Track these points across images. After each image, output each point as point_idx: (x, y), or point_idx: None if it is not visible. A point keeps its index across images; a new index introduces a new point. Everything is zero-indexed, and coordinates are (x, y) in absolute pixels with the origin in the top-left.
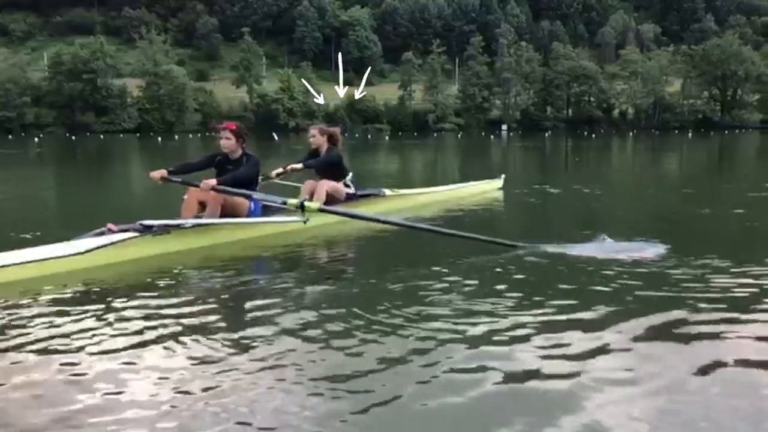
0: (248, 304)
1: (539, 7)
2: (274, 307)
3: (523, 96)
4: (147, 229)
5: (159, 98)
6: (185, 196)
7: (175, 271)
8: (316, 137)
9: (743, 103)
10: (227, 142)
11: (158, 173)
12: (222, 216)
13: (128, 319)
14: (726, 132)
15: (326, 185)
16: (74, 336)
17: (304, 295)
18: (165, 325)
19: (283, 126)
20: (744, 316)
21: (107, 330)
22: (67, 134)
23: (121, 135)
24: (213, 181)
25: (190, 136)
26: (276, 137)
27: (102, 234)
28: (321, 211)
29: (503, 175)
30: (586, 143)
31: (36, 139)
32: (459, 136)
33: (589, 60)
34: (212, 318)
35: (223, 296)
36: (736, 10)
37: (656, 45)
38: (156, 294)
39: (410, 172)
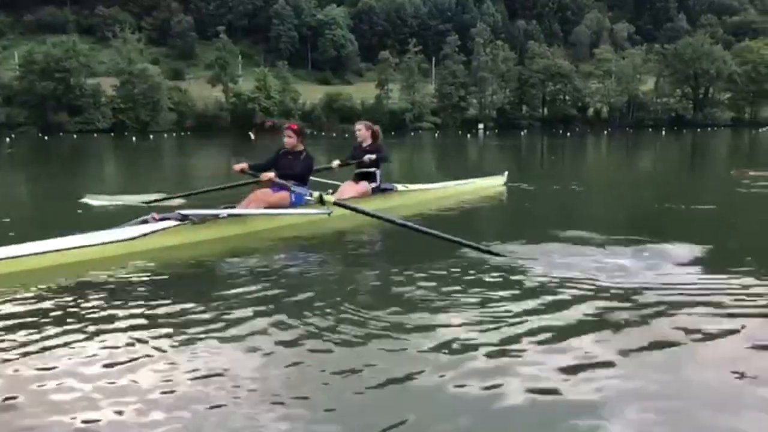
0: (270, 292)
1: (514, 7)
2: (295, 294)
3: (499, 95)
4: (185, 219)
5: (133, 97)
6: (256, 190)
7: (209, 258)
8: (362, 131)
9: (715, 101)
10: (289, 140)
11: (240, 166)
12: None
13: (171, 304)
14: (698, 130)
15: (353, 190)
16: (126, 314)
17: (322, 282)
18: (202, 311)
19: (259, 125)
20: (725, 311)
21: (155, 311)
22: (40, 134)
23: (95, 135)
24: (271, 174)
25: (165, 135)
26: (252, 136)
27: (145, 222)
28: (335, 204)
29: (506, 172)
30: (562, 142)
31: (8, 139)
32: (436, 135)
33: (564, 59)
34: (242, 304)
35: (249, 284)
36: (708, 10)
37: (630, 44)
38: (192, 279)
39: (391, 172)
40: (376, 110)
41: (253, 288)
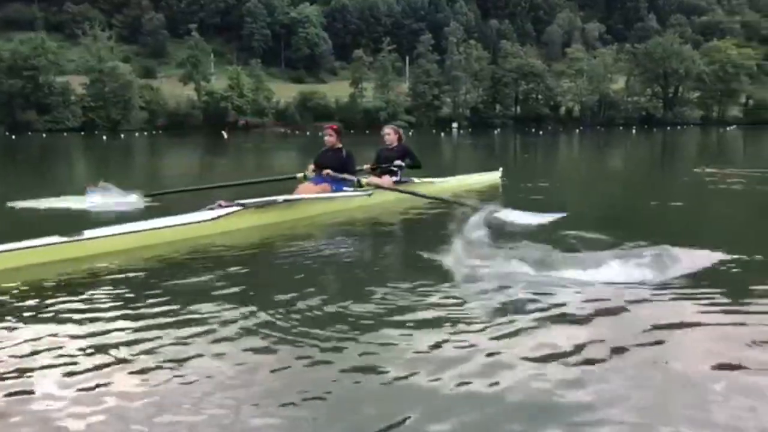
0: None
1: (487, 6)
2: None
3: (472, 94)
4: (243, 207)
5: (104, 96)
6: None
7: (267, 239)
8: (391, 135)
9: (684, 100)
10: (330, 138)
11: (310, 168)
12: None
13: (243, 275)
14: (668, 128)
15: (380, 182)
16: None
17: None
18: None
19: (232, 124)
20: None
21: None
22: (7, 133)
23: (65, 134)
24: (329, 171)
25: (137, 134)
26: (225, 135)
27: (212, 209)
28: (368, 184)
29: (501, 168)
30: (534, 140)
31: None
32: (410, 133)
33: (537, 58)
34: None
35: (298, 263)
36: (677, 10)
37: (601, 43)
38: (250, 258)
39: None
40: (350, 109)
41: (302, 267)
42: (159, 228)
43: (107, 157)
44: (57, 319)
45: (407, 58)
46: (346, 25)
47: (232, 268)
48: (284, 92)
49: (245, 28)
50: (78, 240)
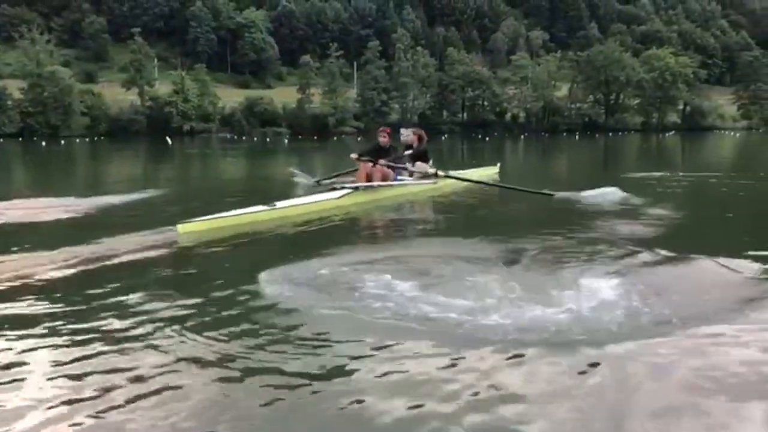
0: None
1: (434, 14)
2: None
3: (420, 100)
4: (355, 189)
5: (43, 101)
6: (358, 170)
7: (368, 210)
8: (411, 136)
9: (625, 106)
10: (383, 139)
11: (355, 155)
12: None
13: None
14: (610, 134)
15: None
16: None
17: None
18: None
19: (177, 129)
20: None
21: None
22: None
23: (1, 139)
24: (383, 161)
25: (78, 140)
26: (170, 141)
27: (336, 189)
28: (436, 175)
29: (499, 164)
30: (481, 146)
31: None
32: (359, 139)
33: (482, 65)
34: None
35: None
36: (618, 19)
37: (545, 51)
38: (355, 226)
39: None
40: (298, 114)
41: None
42: (314, 201)
43: (46, 164)
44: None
45: (355, 64)
46: (293, 31)
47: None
48: (230, 97)
49: (190, 32)
50: (273, 209)
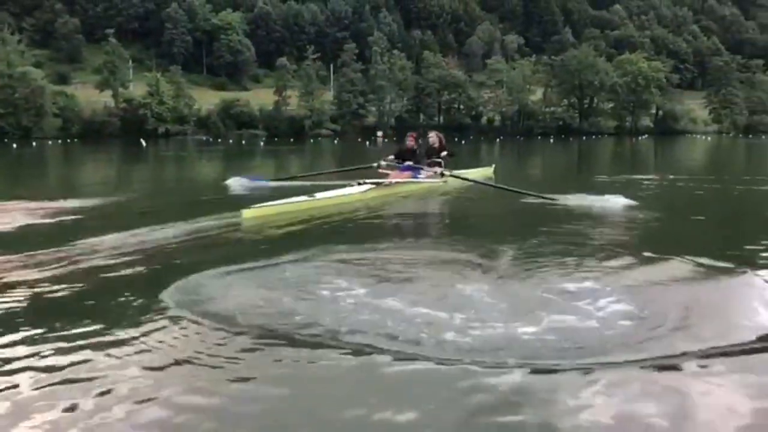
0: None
1: (410, 17)
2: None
3: (397, 103)
4: (377, 185)
5: (14, 102)
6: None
7: (386, 202)
8: (434, 138)
9: (599, 110)
10: (411, 142)
11: (386, 161)
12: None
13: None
14: (584, 138)
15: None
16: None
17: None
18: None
19: (152, 131)
20: None
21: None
22: None
23: None
24: (409, 162)
25: (50, 142)
26: (144, 143)
27: (361, 184)
28: (448, 174)
29: (494, 165)
30: (457, 149)
31: None
32: (336, 141)
33: (458, 69)
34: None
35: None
36: (591, 24)
37: (520, 55)
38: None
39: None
40: (274, 117)
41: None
42: (345, 194)
43: (17, 166)
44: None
45: (331, 66)
46: (270, 33)
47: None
48: (206, 99)
49: (165, 34)
50: (312, 199)
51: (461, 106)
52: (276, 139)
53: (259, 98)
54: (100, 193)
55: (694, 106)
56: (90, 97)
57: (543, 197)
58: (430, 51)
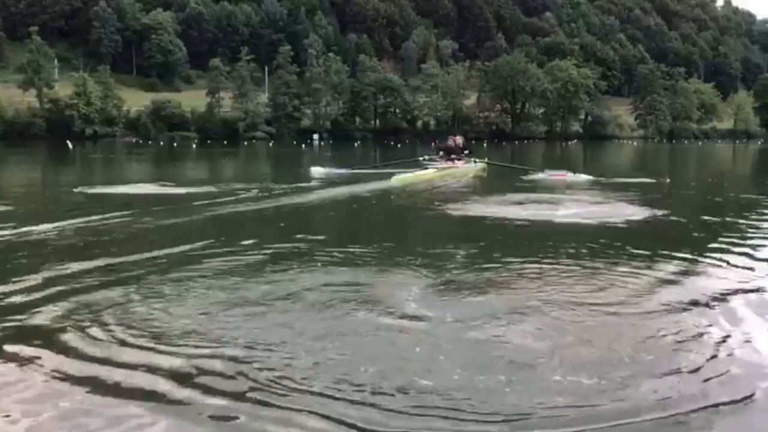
0: None
1: (345, 20)
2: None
3: (332, 106)
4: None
5: None
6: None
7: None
8: (458, 139)
9: (530, 115)
10: (451, 142)
11: (436, 157)
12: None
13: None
14: (516, 142)
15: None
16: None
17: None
18: None
19: (79, 133)
20: None
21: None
22: None
23: None
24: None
25: None
26: (71, 145)
27: (425, 168)
28: (478, 161)
29: (486, 159)
30: (393, 153)
31: None
32: (270, 144)
33: (394, 73)
34: None
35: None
36: (523, 31)
37: (454, 60)
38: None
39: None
40: (207, 119)
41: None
42: (428, 172)
43: None
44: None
45: (266, 68)
46: (202, 33)
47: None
48: (136, 101)
49: (93, 32)
50: (419, 173)
51: (397, 110)
52: (209, 141)
53: (192, 100)
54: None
55: (621, 112)
56: (12, 97)
57: (532, 171)
58: (366, 54)
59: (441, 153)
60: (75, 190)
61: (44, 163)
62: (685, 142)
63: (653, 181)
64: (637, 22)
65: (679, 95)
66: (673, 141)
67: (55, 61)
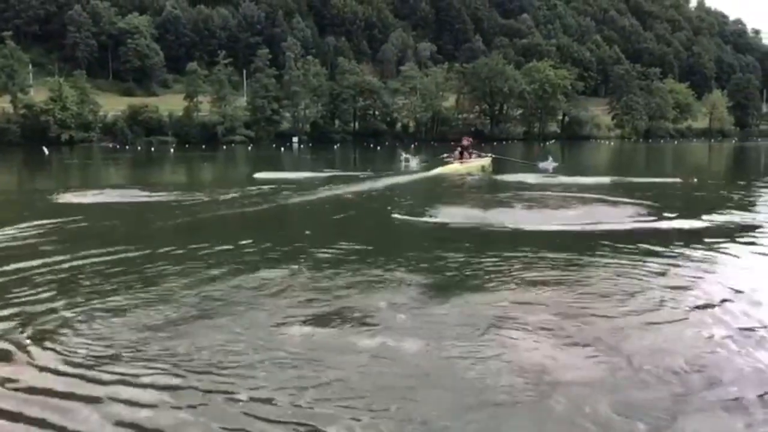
0: None
1: (324, 23)
2: None
3: (312, 109)
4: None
5: None
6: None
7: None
8: (470, 140)
9: (508, 117)
10: (466, 142)
11: (451, 155)
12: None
13: None
14: (495, 143)
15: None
16: None
17: None
18: None
19: (55, 139)
20: None
21: None
22: None
23: None
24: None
25: None
26: (47, 151)
27: (449, 163)
28: (492, 157)
29: (491, 154)
30: (372, 155)
31: None
32: (249, 148)
33: (373, 75)
34: None
35: None
36: (500, 32)
37: (432, 62)
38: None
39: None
40: (185, 123)
41: None
42: (453, 165)
43: None
44: None
45: (244, 72)
46: (179, 37)
47: None
48: (113, 105)
49: (68, 37)
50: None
51: (376, 113)
52: (187, 145)
53: (169, 104)
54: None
55: (598, 112)
56: None
57: (529, 163)
58: (345, 57)
59: (456, 152)
60: (50, 196)
61: (18, 169)
62: (661, 141)
63: (680, 180)
64: (612, 23)
65: (655, 95)
66: (650, 140)
67: (30, 66)
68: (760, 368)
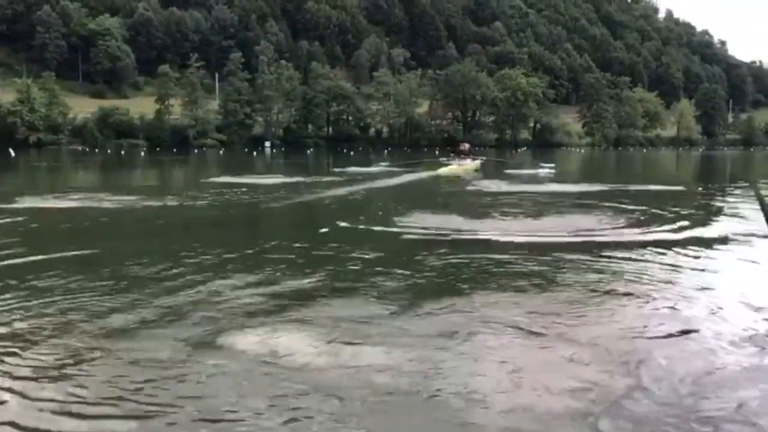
0: None
1: (297, 27)
2: None
3: (284, 113)
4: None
5: None
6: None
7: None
8: (468, 146)
9: (481, 123)
10: (463, 147)
11: (450, 160)
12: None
13: None
14: None
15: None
16: None
17: None
18: None
19: (22, 141)
20: None
21: None
22: None
23: None
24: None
25: None
26: (13, 153)
27: (449, 164)
28: (482, 160)
29: (482, 157)
30: (345, 160)
31: None
32: (221, 152)
33: (346, 81)
34: None
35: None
36: (473, 40)
37: (406, 68)
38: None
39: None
40: (156, 126)
41: None
42: (455, 165)
43: None
44: None
45: (217, 75)
46: (151, 40)
47: None
48: (82, 107)
49: (37, 38)
50: (452, 166)
51: (350, 118)
52: (158, 149)
53: (140, 107)
54: None
55: (569, 120)
56: None
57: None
58: (318, 62)
59: (452, 154)
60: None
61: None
62: (631, 149)
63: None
64: (583, 32)
65: (624, 103)
66: (619, 148)
67: None
68: (732, 372)
